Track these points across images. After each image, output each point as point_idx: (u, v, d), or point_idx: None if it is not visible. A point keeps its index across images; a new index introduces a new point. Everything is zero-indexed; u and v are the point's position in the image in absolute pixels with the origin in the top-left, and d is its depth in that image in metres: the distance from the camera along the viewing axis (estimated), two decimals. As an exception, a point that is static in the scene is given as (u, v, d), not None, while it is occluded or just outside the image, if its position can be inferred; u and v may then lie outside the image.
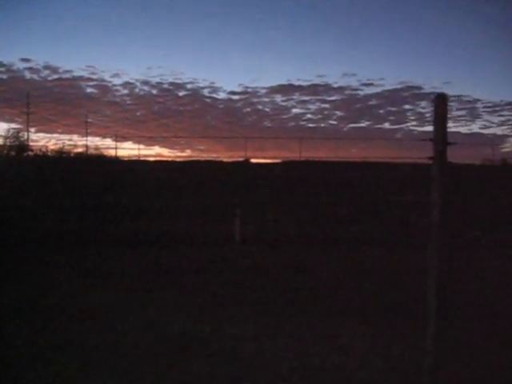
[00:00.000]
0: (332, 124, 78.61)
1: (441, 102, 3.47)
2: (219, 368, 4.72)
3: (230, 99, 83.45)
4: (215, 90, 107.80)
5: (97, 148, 51.54)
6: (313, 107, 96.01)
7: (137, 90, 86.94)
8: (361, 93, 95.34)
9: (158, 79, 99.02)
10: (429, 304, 3.61)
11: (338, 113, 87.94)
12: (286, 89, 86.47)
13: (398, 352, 5.06)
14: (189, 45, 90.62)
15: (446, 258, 3.53)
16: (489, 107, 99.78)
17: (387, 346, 5.25)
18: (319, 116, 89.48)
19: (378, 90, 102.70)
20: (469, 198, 21.73)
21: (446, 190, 3.47)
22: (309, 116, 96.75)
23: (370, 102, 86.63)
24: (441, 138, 3.47)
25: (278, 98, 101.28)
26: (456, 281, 7.10)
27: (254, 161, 34.53)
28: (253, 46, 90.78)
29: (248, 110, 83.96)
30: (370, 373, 4.60)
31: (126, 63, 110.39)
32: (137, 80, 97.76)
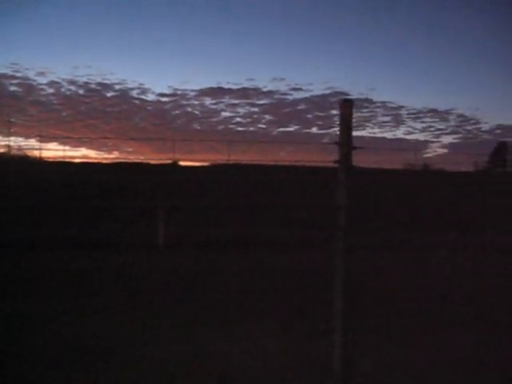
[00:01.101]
0: (261, 128, 79.20)
1: (346, 107, 3.54)
2: (126, 373, 4.60)
3: (159, 101, 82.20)
4: (144, 91, 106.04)
5: (20, 149, 49.38)
6: (242, 111, 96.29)
7: (63, 90, 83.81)
8: (290, 97, 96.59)
9: (85, 79, 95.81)
10: (335, 303, 3.67)
11: (267, 117, 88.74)
12: (216, 92, 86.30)
13: (308, 351, 5.12)
14: (118, 45, 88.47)
15: (351, 260, 3.60)
16: (412, 114, 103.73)
17: (298, 346, 5.30)
18: (248, 119, 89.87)
19: (307, 94, 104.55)
20: (393, 201, 22.55)
21: (352, 193, 3.55)
22: (238, 119, 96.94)
23: (299, 107, 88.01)
24: (346, 141, 3.54)
25: (208, 101, 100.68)
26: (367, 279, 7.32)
27: (182, 163, 34.29)
28: (183, 48, 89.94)
29: (177, 112, 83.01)
30: (282, 373, 4.63)
31: (52, 62, 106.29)
32: (63, 79, 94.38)
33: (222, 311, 6.72)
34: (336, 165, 3.55)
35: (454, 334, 5.68)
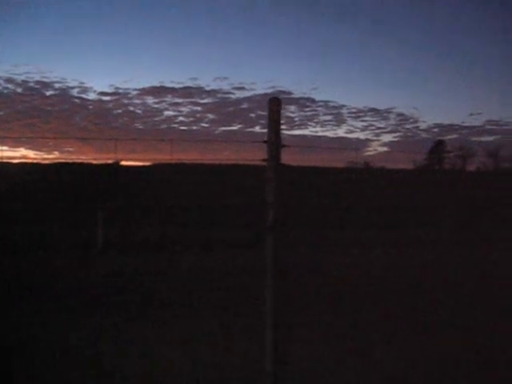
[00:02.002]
0: (204, 127, 78.80)
1: (275, 105, 3.55)
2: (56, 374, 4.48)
3: (101, 100, 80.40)
4: (85, 90, 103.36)
5: (-47, 149, 47.10)
6: (185, 110, 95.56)
7: (0, 88, 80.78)
8: (233, 96, 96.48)
9: (23, 77, 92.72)
10: (267, 302, 3.67)
11: (210, 116, 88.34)
12: (159, 91, 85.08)
13: (243, 349, 5.12)
14: (58, 43, 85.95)
15: (282, 257, 3.62)
16: (353, 113, 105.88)
17: (234, 344, 5.30)
18: (191, 119, 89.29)
19: (250, 94, 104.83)
20: (330, 199, 22.95)
21: (281, 191, 3.56)
22: (181, 119, 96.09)
23: (242, 106, 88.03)
24: (274, 140, 3.54)
25: (150, 100, 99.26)
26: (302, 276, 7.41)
27: (124, 163, 33.73)
28: (124, 46, 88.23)
29: (119, 111, 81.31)
30: (217, 372, 4.61)
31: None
32: (0, 78, 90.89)
33: (155, 311, 6.64)
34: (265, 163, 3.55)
35: (380, 328, 5.82)
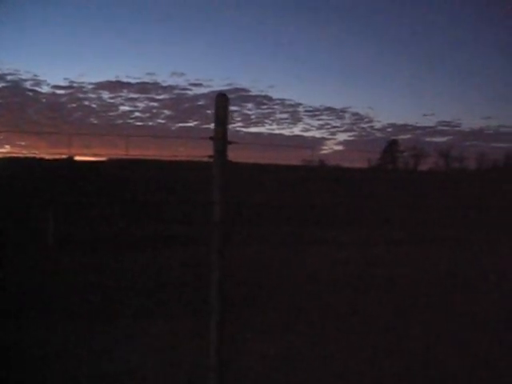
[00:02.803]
0: (160, 123, 78.03)
1: (221, 101, 3.54)
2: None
3: (55, 93, 78.66)
4: (38, 83, 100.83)
5: None
6: (141, 105, 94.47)
7: None
8: (190, 93, 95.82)
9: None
10: (212, 298, 3.67)
11: (167, 112, 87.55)
12: (114, 85, 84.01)
13: (189, 348, 5.10)
14: (10, 34, 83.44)
15: (226, 254, 3.62)
16: (309, 111, 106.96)
17: (181, 343, 5.28)
18: (147, 114, 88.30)
19: (207, 90, 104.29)
20: (289, 196, 23.12)
21: (227, 189, 3.56)
22: (137, 114, 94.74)
23: (199, 102, 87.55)
24: (221, 136, 3.54)
25: (106, 95, 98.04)
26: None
27: (78, 158, 33.05)
28: (80, 39, 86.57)
29: (73, 105, 79.75)
30: (164, 370, 4.59)
31: None
32: None
33: (103, 309, 6.55)
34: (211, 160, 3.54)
35: (324, 328, 5.90)
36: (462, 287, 7.62)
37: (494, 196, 28.51)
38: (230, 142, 3.60)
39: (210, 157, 3.55)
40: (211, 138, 3.54)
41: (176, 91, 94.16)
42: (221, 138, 3.54)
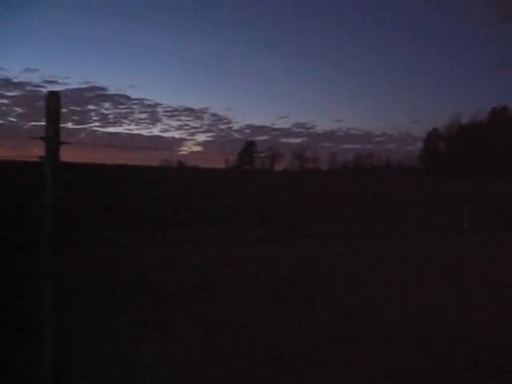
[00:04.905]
0: (12, 121, 72.68)
1: (53, 100, 3.32)
2: None
3: None
4: None
5: None
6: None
7: None
8: (44, 90, 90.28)
9: None
10: (45, 310, 3.43)
11: (18, 109, 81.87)
12: (-43, 80, 76.28)
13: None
14: None
15: (61, 263, 3.41)
16: (169, 111, 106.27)
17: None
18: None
19: (62, 88, 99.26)
20: (148, 198, 22.71)
21: (60, 191, 3.35)
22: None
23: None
24: (53, 136, 3.33)
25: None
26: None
27: None
28: None
29: None
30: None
31: None
32: None
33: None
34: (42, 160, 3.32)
35: (183, 330, 5.85)
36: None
37: (346, 194, 30.50)
38: (63, 143, 3.40)
39: (41, 158, 3.32)
40: (42, 139, 3.31)
41: (29, 88, 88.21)
42: (53, 138, 3.33)
